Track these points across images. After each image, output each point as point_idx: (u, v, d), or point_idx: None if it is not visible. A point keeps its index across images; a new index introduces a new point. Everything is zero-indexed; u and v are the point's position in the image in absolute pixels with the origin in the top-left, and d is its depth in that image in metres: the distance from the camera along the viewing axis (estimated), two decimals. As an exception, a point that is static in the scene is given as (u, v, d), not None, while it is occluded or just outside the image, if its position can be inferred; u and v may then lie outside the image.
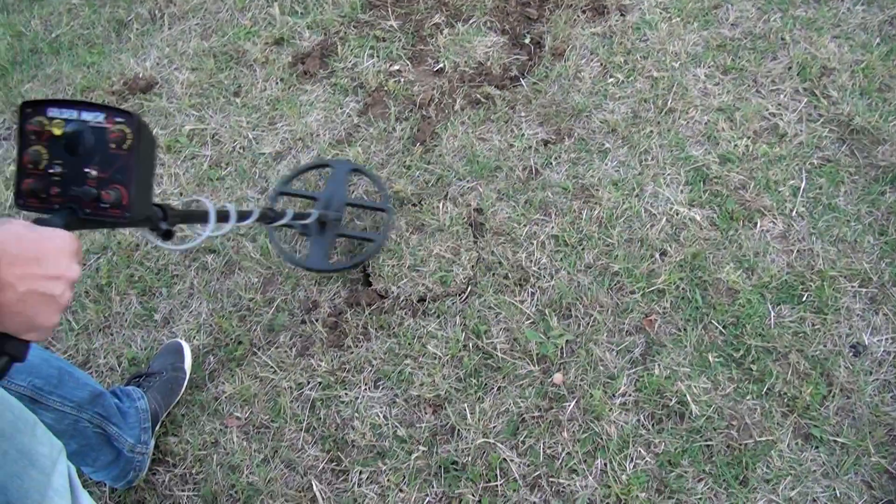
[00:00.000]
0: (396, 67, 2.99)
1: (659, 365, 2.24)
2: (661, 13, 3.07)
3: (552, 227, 2.51)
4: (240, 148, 2.86)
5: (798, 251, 2.45)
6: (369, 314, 2.38)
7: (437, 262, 2.47)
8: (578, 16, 3.08)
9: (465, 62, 2.96)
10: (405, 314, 2.39)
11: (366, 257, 2.46)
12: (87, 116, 1.07)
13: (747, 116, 2.72)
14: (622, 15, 3.08)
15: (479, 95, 2.85)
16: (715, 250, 2.45)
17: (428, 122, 2.79)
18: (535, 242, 2.49)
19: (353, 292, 2.44)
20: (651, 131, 2.72)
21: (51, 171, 1.07)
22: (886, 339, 2.29)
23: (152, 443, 2.14)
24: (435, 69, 2.97)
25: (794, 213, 2.52)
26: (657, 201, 2.56)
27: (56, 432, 1.74)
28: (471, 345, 2.31)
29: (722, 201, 2.54)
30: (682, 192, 2.57)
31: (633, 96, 2.82)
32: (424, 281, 2.44)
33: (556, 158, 2.68)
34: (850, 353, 2.28)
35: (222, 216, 1.56)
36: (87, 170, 1.07)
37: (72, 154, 1.07)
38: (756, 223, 2.50)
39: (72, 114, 1.07)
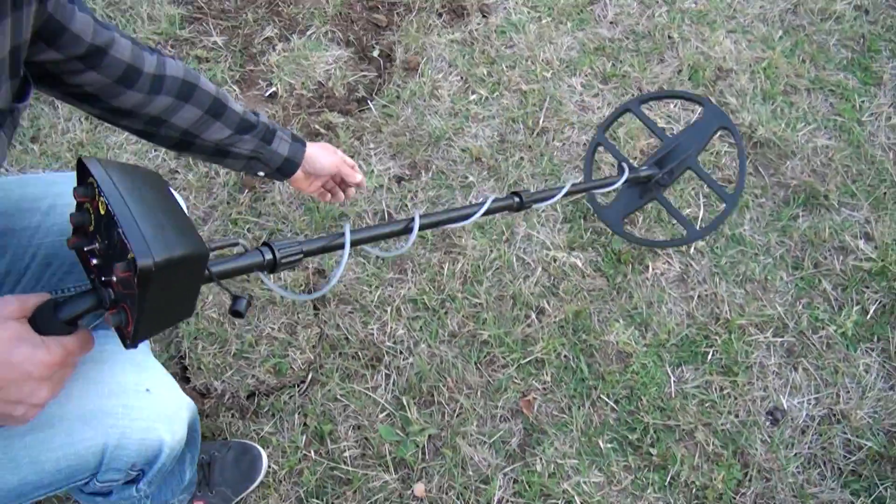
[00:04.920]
0: (221, 94, 2.49)
1: (541, 459, 1.84)
2: (528, 13, 2.63)
3: (409, 288, 2.08)
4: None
5: (699, 297, 2.07)
6: (185, 422, 1.92)
7: (269, 346, 2.01)
8: (434, 20, 2.62)
9: (303, 84, 2.48)
10: (233, 416, 1.93)
11: (673, 244, 2.11)
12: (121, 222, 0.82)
13: (632, 133, 2.32)
14: (484, 17, 2.63)
15: (318, 126, 2.38)
16: (601, 304, 2.05)
17: (258, 162, 2.31)
18: (388, 309, 2.05)
19: (168, 391, 1.97)
20: (521, 157, 2.29)
21: (92, 243, 0.90)
22: (808, 400, 1.94)
23: None
24: (267, 94, 2.49)
25: (692, 249, 2.13)
26: (531, 246, 2.14)
27: None
28: (313, 452, 1.87)
29: (607, 241, 2.14)
30: (559, 232, 2.16)
31: (500, 115, 2.39)
32: (254, 371, 1.98)
33: (412, 199, 2.24)
34: (768, 422, 1.92)
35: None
36: (113, 269, 0.83)
37: (109, 242, 0.86)
38: (648, 266, 2.11)
39: (115, 206, 0.84)
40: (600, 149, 2.21)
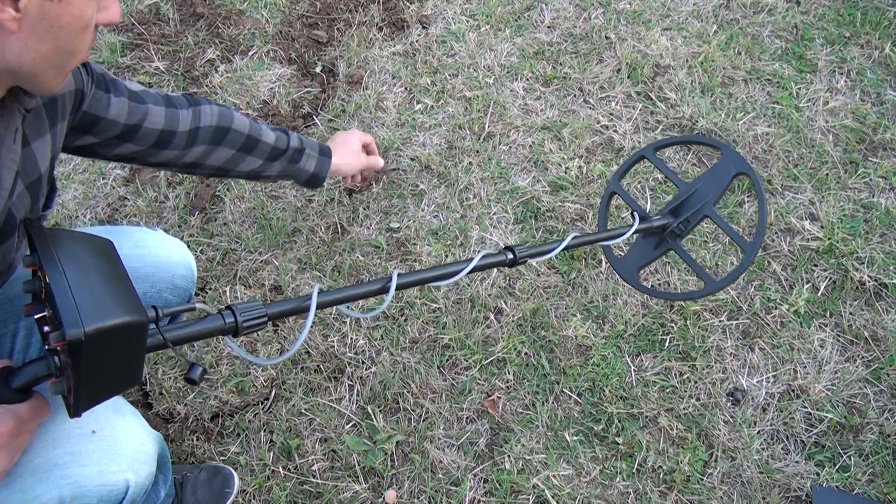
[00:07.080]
0: (166, 120, 2.48)
1: (509, 456, 1.85)
2: (467, 21, 2.66)
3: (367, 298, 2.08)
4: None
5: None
6: (148, 448, 1.89)
7: (230, 365, 1.99)
8: (374, 34, 2.64)
9: (248, 103, 2.48)
10: (198, 439, 1.91)
11: (691, 297, 2.00)
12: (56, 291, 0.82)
13: (576, 132, 2.35)
14: (424, 28, 2.66)
15: (265, 144, 2.38)
16: (558, 300, 2.07)
17: (207, 184, 2.30)
18: (347, 320, 2.05)
19: (129, 419, 1.94)
20: (470, 163, 2.31)
21: (42, 311, 0.89)
22: (767, 378, 1.97)
23: None
24: (213, 116, 2.47)
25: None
26: (485, 248, 2.16)
27: None
28: (281, 468, 1.85)
29: (558, 239, 2.16)
30: (511, 232, 2.18)
31: (446, 123, 2.40)
32: (217, 392, 1.96)
33: (364, 210, 2.24)
34: (729, 403, 1.94)
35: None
36: (49, 339, 0.83)
37: (53, 310, 0.84)
38: (601, 261, 2.13)
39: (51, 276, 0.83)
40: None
